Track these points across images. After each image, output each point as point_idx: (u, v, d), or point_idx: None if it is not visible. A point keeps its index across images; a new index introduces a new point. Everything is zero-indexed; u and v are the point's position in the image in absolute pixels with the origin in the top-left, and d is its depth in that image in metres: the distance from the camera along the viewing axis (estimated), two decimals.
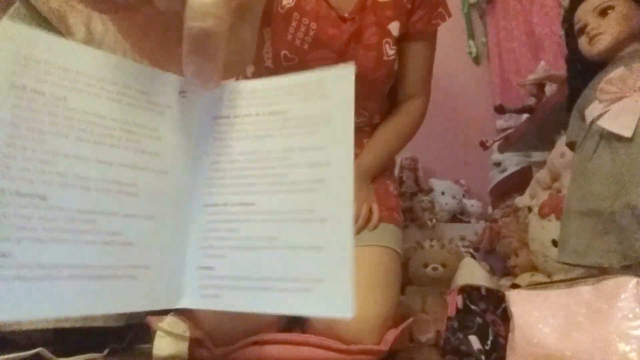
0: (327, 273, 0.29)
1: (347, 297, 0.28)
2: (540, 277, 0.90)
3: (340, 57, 0.84)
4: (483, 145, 1.58)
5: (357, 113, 0.92)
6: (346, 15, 0.84)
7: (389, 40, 0.86)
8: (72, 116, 0.29)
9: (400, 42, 0.89)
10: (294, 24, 0.82)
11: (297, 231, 0.31)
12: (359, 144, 0.93)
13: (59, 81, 0.29)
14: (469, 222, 1.61)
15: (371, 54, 0.85)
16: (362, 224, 0.83)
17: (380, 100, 0.94)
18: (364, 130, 0.96)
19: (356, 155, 0.92)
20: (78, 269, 0.28)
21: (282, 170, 0.32)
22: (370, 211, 0.85)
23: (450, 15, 0.93)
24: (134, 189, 0.31)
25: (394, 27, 0.86)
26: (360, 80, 0.87)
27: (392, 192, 0.94)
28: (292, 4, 0.82)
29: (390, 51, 0.86)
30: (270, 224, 0.32)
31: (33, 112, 0.28)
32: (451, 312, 0.70)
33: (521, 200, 1.12)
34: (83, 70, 0.30)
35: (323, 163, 0.31)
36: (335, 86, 0.33)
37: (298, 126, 0.33)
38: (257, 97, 0.35)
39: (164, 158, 0.33)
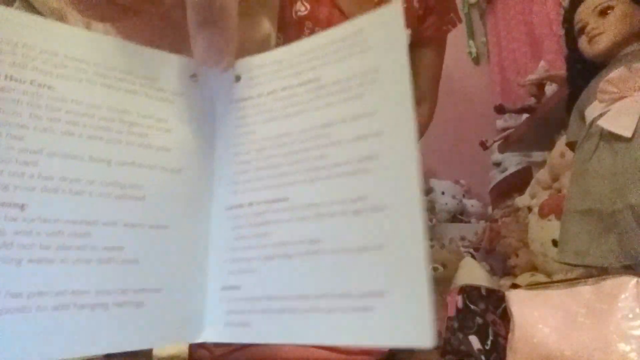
0: (391, 282, 0.21)
1: (422, 316, 0.20)
2: (540, 277, 0.90)
3: None
4: (483, 145, 1.58)
5: None
6: None
7: None
8: (60, 107, 0.24)
9: (410, 47, 0.89)
10: (306, 32, 0.82)
11: (345, 228, 0.23)
12: None
13: (42, 66, 0.24)
14: (469, 222, 1.61)
15: None
16: None
17: None
18: None
19: None
20: (66, 297, 0.22)
21: (319, 152, 0.25)
22: None
23: (460, 21, 0.93)
24: (140, 192, 0.25)
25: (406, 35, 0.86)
26: None
27: None
28: (305, 12, 0.82)
29: None
30: (311, 222, 0.24)
31: (8, 103, 0.23)
32: (451, 312, 0.70)
33: (521, 200, 1.12)
34: (74, 55, 0.25)
35: (373, 134, 0.24)
36: (379, 32, 0.25)
37: (336, 92, 0.26)
38: (283, 69, 0.28)
39: (176, 153, 0.27)
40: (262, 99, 0.28)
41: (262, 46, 0.29)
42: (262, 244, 0.25)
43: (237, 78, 0.29)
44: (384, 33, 0.25)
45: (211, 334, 0.26)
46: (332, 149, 0.25)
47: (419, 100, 0.95)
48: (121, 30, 0.30)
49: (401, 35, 0.25)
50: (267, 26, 0.29)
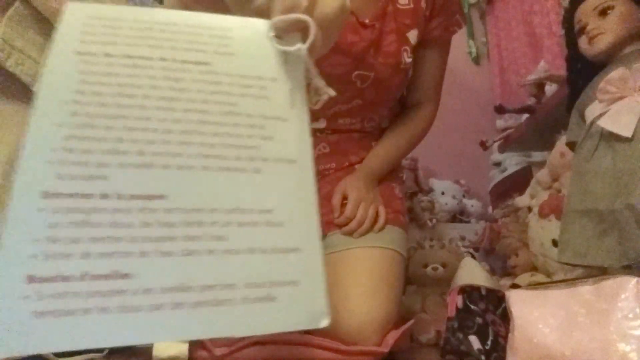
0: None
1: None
2: (540, 277, 0.90)
3: (356, 63, 0.83)
4: (483, 145, 1.58)
5: (368, 118, 0.93)
6: (366, 21, 0.83)
7: (407, 48, 0.85)
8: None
9: (416, 48, 0.89)
10: None
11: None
12: (367, 147, 0.93)
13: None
14: (469, 222, 1.61)
15: (389, 62, 0.84)
16: (368, 226, 0.83)
17: (391, 106, 0.94)
18: (373, 133, 0.96)
19: (363, 159, 0.92)
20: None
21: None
22: (377, 213, 0.85)
23: (466, 23, 0.93)
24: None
25: (413, 35, 0.86)
26: (376, 86, 0.87)
27: (398, 195, 0.94)
28: None
29: (407, 59, 0.86)
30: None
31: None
32: (451, 312, 0.70)
33: (521, 200, 1.12)
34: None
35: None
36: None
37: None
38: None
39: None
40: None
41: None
42: None
43: None
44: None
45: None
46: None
47: (422, 101, 0.95)
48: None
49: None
50: None
